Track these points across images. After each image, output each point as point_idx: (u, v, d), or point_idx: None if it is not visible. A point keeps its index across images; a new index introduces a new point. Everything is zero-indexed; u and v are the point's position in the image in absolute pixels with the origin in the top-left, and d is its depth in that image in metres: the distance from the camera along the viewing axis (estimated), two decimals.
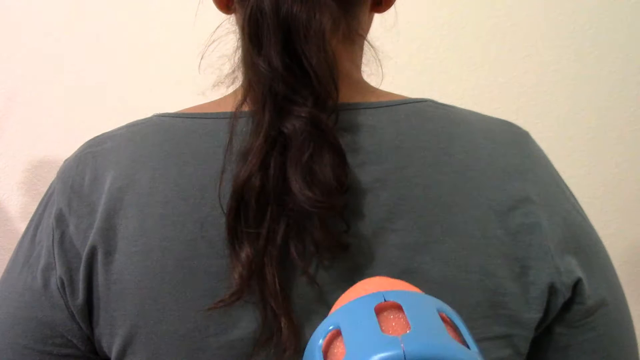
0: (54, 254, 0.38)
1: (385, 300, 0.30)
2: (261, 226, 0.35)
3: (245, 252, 0.35)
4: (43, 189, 1.30)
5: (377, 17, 0.48)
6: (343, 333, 0.28)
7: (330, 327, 0.29)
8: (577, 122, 1.27)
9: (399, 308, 0.29)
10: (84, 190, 0.39)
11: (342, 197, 0.36)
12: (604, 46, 1.24)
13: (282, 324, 0.35)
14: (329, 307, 0.36)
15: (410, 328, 0.27)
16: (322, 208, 0.34)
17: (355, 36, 0.43)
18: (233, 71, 0.41)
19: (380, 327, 0.27)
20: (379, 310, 0.29)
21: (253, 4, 0.35)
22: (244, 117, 0.37)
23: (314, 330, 0.36)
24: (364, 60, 0.46)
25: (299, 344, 0.36)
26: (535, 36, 1.24)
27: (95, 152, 0.41)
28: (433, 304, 0.30)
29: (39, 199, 0.43)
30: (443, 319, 0.29)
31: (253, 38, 0.36)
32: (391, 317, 0.29)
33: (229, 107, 0.39)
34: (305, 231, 0.36)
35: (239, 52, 0.40)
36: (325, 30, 0.35)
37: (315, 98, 0.35)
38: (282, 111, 0.35)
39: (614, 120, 1.27)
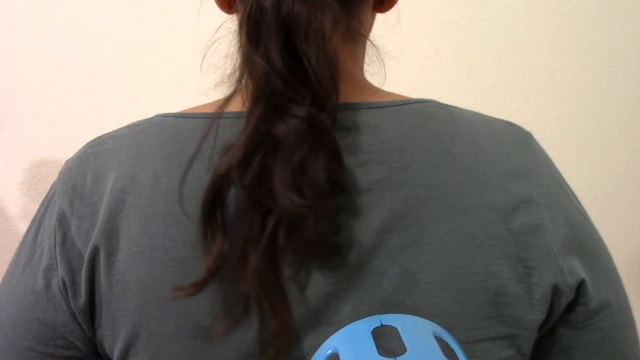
0: (55, 255, 0.38)
1: (381, 324, 0.30)
2: (238, 223, 0.35)
3: (217, 246, 0.34)
4: (43, 189, 1.30)
5: (379, 17, 0.48)
6: (341, 356, 0.29)
7: (329, 352, 0.30)
8: (577, 122, 1.27)
9: (395, 331, 0.30)
10: (85, 191, 0.39)
11: (335, 200, 0.35)
12: (604, 46, 1.24)
13: (276, 327, 0.34)
14: (332, 310, 0.36)
15: (406, 350, 0.28)
16: (308, 212, 0.33)
17: (357, 36, 0.43)
18: (235, 71, 0.40)
19: (377, 350, 0.28)
20: (376, 334, 0.30)
21: (253, 2, 0.35)
22: (235, 117, 0.37)
23: (318, 333, 0.36)
24: (366, 59, 0.46)
25: (300, 349, 0.35)
26: (535, 36, 1.24)
27: (96, 152, 0.41)
28: (429, 327, 0.31)
29: (39, 199, 0.43)
30: (438, 342, 0.30)
31: (251, 35, 0.35)
32: (387, 340, 0.30)
33: (231, 107, 0.38)
34: (298, 233, 0.35)
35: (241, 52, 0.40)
36: (325, 30, 0.35)
37: (314, 98, 0.35)
38: (277, 109, 0.34)
39: (614, 120, 1.27)
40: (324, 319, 0.36)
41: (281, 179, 0.33)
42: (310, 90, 0.35)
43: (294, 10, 0.35)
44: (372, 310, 0.35)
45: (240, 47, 0.37)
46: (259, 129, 0.34)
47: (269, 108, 0.34)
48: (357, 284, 0.36)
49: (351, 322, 0.34)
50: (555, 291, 0.38)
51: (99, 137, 0.42)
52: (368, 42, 0.45)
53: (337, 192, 0.35)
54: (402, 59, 1.21)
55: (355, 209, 0.37)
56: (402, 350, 0.28)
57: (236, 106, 0.37)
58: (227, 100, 0.37)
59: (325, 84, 0.35)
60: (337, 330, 0.34)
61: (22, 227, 1.27)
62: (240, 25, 0.36)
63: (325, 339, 0.33)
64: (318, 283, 0.36)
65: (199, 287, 0.34)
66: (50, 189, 0.42)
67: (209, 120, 0.40)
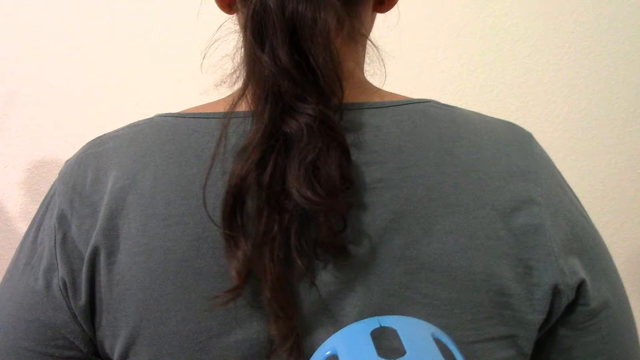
0: (56, 255, 0.38)
1: (380, 326, 0.31)
2: (258, 226, 0.35)
3: (241, 250, 0.34)
4: (43, 189, 1.30)
5: (379, 17, 0.48)
6: (340, 357, 0.29)
7: (328, 353, 0.30)
8: (577, 122, 1.27)
9: (394, 333, 0.30)
10: (85, 191, 0.39)
11: (347, 197, 0.35)
12: (604, 46, 1.24)
13: (285, 327, 0.35)
14: (334, 309, 0.36)
15: (405, 352, 0.28)
16: (323, 209, 0.34)
17: (358, 36, 0.43)
18: (235, 71, 0.40)
19: (376, 351, 0.28)
20: (375, 335, 0.30)
21: (257, 2, 0.35)
22: (243, 117, 0.37)
23: (320, 333, 0.36)
24: (366, 59, 0.46)
25: (303, 348, 0.35)
26: (535, 36, 1.24)
27: (97, 152, 0.41)
28: (427, 329, 0.31)
29: (39, 199, 0.43)
30: (437, 343, 0.30)
31: (256, 35, 0.35)
32: (387, 342, 0.30)
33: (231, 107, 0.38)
34: (307, 231, 0.35)
35: (241, 52, 0.40)
36: (330, 30, 0.35)
37: (320, 97, 0.35)
38: (286, 108, 0.35)
39: (614, 120, 1.27)
40: (327, 319, 0.36)
41: (295, 177, 0.33)
42: (316, 90, 0.35)
43: (299, 10, 0.35)
44: (373, 310, 0.36)
45: (245, 46, 0.37)
46: (271, 128, 0.34)
47: (278, 107, 0.35)
48: (359, 284, 0.36)
49: (353, 321, 0.34)
50: (556, 291, 0.38)
51: (99, 137, 0.42)
52: (368, 42, 0.45)
53: (346, 190, 0.35)
54: (402, 59, 1.21)
55: (357, 209, 0.37)
56: (401, 352, 0.28)
57: (237, 106, 0.37)
58: (238, 99, 0.37)
59: (331, 84, 0.35)
60: (338, 330, 0.34)
61: (22, 227, 1.27)
62: (245, 25, 0.36)
63: (327, 339, 0.33)
64: (322, 282, 0.36)
65: (234, 294, 0.34)
66: (50, 189, 0.42)
67: (209, 120, 0.40)
